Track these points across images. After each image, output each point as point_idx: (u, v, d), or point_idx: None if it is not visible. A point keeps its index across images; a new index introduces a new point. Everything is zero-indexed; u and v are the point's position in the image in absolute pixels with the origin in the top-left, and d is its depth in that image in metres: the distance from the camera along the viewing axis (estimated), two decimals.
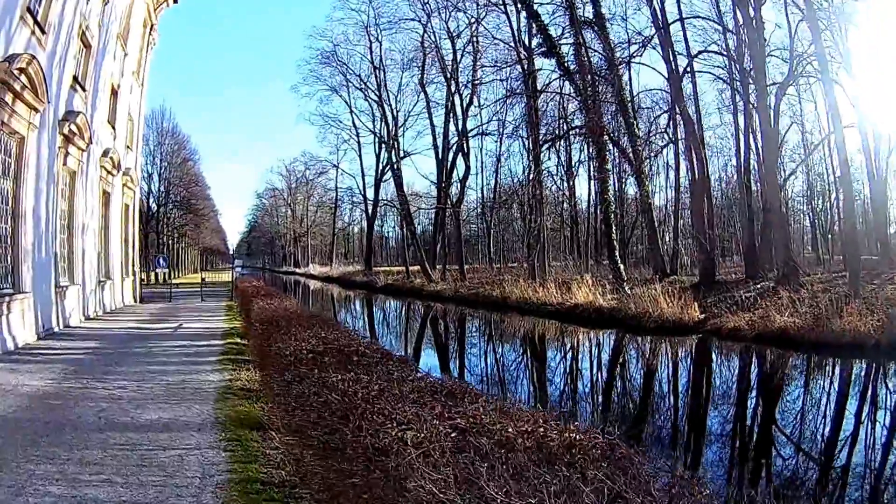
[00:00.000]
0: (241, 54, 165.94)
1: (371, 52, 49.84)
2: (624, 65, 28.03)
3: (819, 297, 20.40)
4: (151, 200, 57.42)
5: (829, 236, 41.24)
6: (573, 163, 47.20)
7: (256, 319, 11.26)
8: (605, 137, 26.33)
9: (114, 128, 24.71)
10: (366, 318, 33.13)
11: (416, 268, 51.72)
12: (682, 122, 28.13)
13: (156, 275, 44.58)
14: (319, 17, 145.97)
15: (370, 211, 64.31)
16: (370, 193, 63.03)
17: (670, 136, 31.50)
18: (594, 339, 21.82)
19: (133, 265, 29.53)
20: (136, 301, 29.21)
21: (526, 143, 54.06)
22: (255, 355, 11.58)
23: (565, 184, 50.96)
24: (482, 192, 58.82)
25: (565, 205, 53.75)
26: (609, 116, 27.78)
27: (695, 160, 26.33)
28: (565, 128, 33.77)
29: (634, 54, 27.46)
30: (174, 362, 12.25)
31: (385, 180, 57.59)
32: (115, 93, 24.53)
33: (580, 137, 38.89)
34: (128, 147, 28.06)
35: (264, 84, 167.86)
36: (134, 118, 29.14)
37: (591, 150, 44.98)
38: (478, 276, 43.85)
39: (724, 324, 19.46)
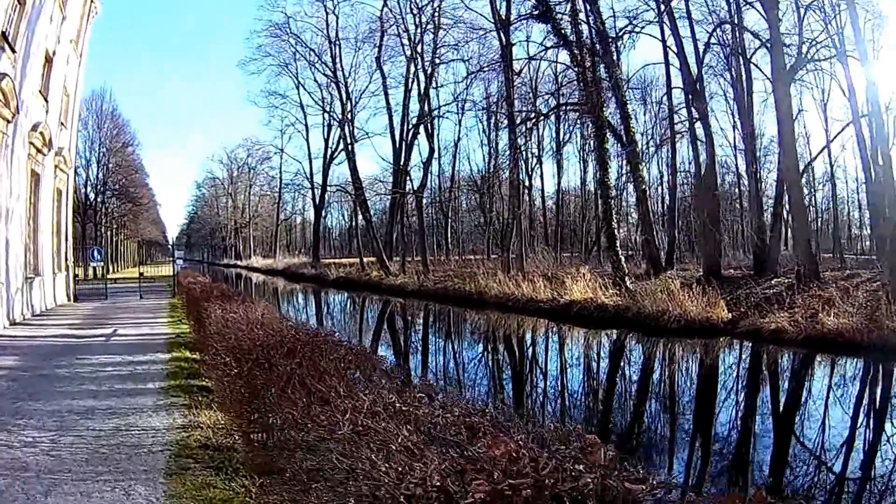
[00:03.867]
0: (183, 36, 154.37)
1: (327, 26, 46.22)
2: (625, 36, 25.36)
3: (855, 295, 18.29)
4: (89, 188, 53.99)
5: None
6: (542, 148, 44.67)
7: (222, 346, 7.40)
8: (608, 112, 23.47)
9: (46, 100, 21.16)
10: (334, 320, 29.34)
11: (369, 259, 48.51)
12: (685, 103, 25.60)
13: (94, 269, 40.06)
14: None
15: (318, 198, 60.36)
16: (318, 179, 59.65)
17: (669, 119, 28.91)
18: (617, 344, 18.78)
19: (66, 259, 26.09)
20: (69, 300, 25.74)
21: (487, 128, 51.92)
22: (217, 384, 8.17)
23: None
24: (439, 180, 56.05)
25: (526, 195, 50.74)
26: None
27: (701, 144, 23.75)
28: (552, 104, 30.58)
29: (635, 27, 24.80)
30: (105, 392, 8.70)
31: (339, 163, 54.25)
32: (49, 60, 21.04)
33: (549, 119, 36.48)
34: (62, 124, 24.53)
35: (208, 70, 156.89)
36: (70, 92, 25.61)
37: (561, 133, 42.84)
38: (441, 269, 40.45)
39: (765, 325, 16.85)
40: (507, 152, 44.42)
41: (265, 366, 5.42)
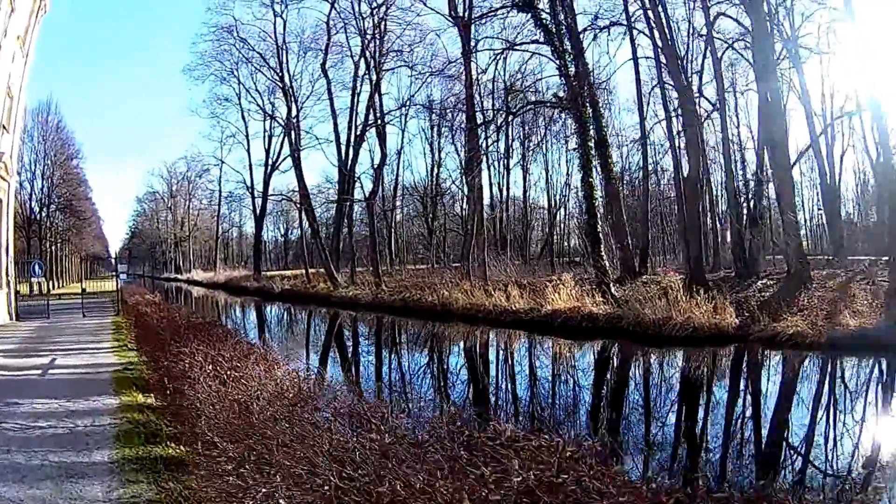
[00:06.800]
0: (128, 49, 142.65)
1: (275, 30, 42.95)
2: (610, 29, 23.50)
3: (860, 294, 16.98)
4: (33, 202, 49.95)
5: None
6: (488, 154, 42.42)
7: None
8: (589, 110, 21.28)
9: None
10: (290, 338, 25.02)
11: (312, 270, 45.33)
12: (662, 99, 23.96)
13: (39, 285, 35.75)
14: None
15: (259, 208, 56.86)
16: (259, 189, 56.45)
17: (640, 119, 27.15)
18: (625, 359, 16.51)
19: (8, 275, 22.92)
20: (11, 318, 22.57)
21: (432, 136, 49.58)
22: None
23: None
24: (381, 189, 53.14)
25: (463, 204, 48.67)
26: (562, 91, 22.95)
27: (687, 142, 21.96)
28: (513, 107, 28.03)
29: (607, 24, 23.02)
30: (36, 468, 5.88)
31: (285, 171, 51.36)
32: None
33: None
34: (3, 127, 21.58)
35: (151, 84, 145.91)
36: (14, 93, 22.57)
37: (509, 139, 40.82)
38: (392, 280, 37.41)
39: (780, 329, 15.06)
40: (460, 158, 42.79)
41: None
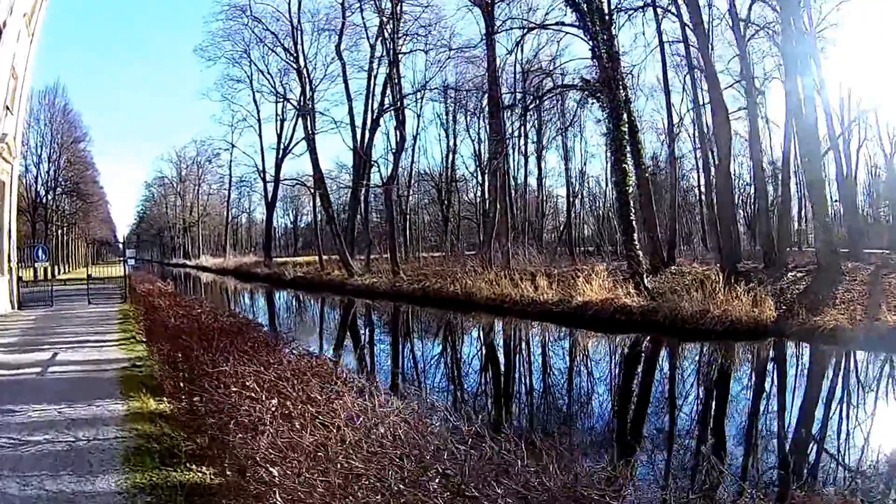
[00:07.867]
0: (137, 33, 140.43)
1: (289, 10, 41.73)
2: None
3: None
4: (39, 185, 49.94)
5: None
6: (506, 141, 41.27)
7: None
8: (623, 93, 20.09)
9: None
10: (322, 332, 23.03)
11: (325, 257, 44.52)
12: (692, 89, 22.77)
13: (45, 270, 35.05)
14: None
15: (271, 194, 55.89)
16: (270, 174, 55.51)
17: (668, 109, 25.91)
18: (672, 354, 15.45)
19: (10, 261, 21.91)
20: (13, 307, 21.57)
21: (447, 122, 48.44)
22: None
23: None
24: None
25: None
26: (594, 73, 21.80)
27: (718, 130, 20.79)
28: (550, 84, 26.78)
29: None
30: (28, 502, 4.76)
31: (299, 155, 50.31)
32: None
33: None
34: (7, 108, 20.62)
35: (161, 67, 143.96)
36: (19, 74, 21.77)
37: (526, 126, 39.63)
38: (409, 268, 36.31)
39: (820, 323, 14.32)
40: (475, 145, 41.77)
41: None
